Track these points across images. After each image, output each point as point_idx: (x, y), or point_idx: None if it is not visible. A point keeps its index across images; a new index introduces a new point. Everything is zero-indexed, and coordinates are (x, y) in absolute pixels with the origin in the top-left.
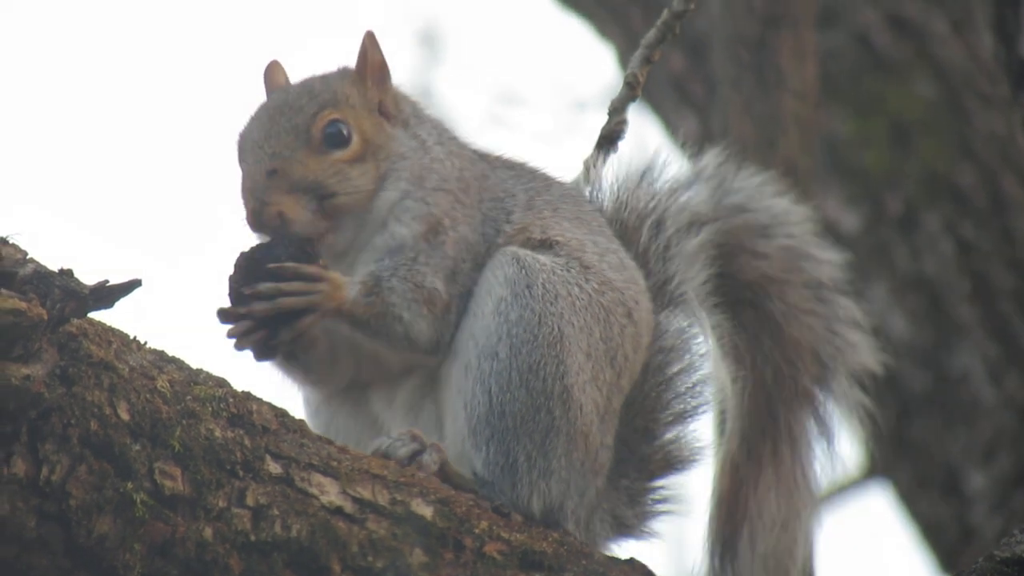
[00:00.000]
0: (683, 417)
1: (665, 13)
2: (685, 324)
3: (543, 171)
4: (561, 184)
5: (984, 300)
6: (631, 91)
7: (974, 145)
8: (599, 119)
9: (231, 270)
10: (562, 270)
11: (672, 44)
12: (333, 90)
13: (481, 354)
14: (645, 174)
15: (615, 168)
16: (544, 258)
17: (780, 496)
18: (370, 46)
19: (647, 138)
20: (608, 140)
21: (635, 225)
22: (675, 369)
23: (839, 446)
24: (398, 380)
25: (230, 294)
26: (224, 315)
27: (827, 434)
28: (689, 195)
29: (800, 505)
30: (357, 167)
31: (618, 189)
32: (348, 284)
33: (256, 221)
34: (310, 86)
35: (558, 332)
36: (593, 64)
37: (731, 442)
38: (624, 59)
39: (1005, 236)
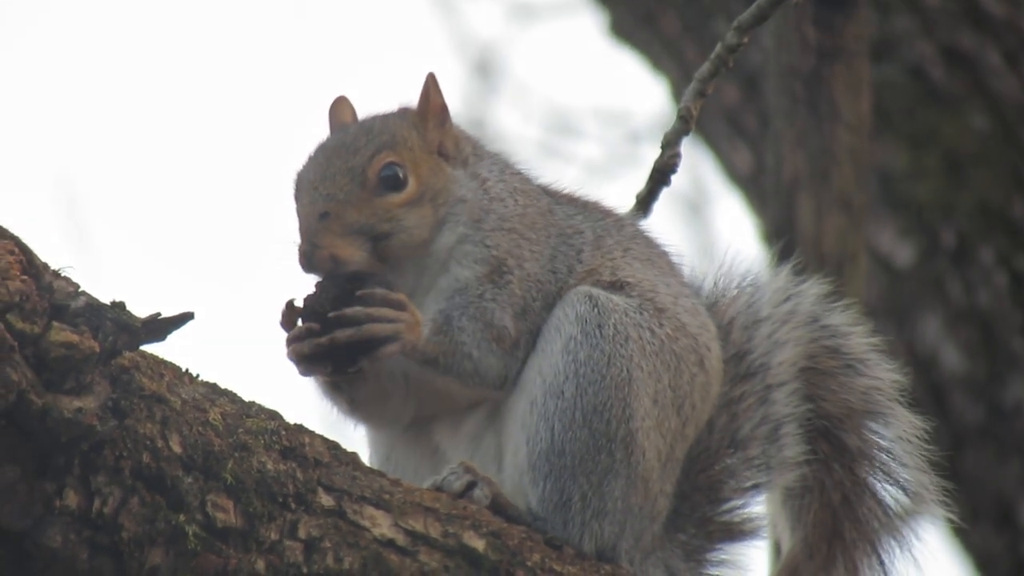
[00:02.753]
0: (754, 488)
1: (719, 47)
2: (760, 397)
3: (612, 209)
4: (632, 224)
5: None
6: (684, 124)
7: None
8: (652, 152)
9: (314, 290)
10: (635, 312)
11: (726, 77)
12: (392, 132)
13: (548, 391)
14: (749, 279)
15: (720, 265)
16: (618, 298)
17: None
18: (432, 88)
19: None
20: (661, 173)
21: (726, 305)
22: (748, 437)
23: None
24: (463, 412)
25: (307, 314)
26: (292, 314)
27: (884, 570)
28: (789, 303)
29: None
30: (414, 210)
31: (721, 277)
32: (423, 321)
33: (308, 263)
34: (369, 127)
35: (627, 375)
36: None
37: (795, 544)
38: (677, 92)
39: None
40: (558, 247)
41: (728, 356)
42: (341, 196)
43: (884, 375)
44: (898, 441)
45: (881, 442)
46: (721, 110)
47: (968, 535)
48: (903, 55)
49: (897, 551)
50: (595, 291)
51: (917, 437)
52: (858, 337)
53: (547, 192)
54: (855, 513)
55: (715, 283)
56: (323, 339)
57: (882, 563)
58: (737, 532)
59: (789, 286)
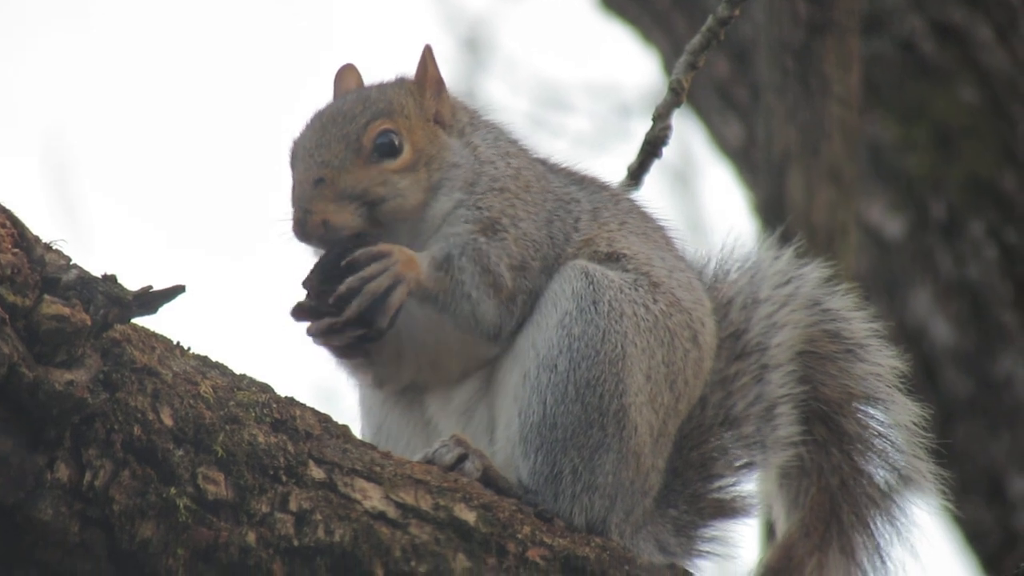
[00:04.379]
0: (746, 466)
1: (710, 19)
2: (756, 376)
3: (608, 183)
4: (628, 199)
5: None
6: (676, 97)
7: (1018, 151)
8: (643, 125)
9: (308, 274)
10: (630, 288)
11: (717, 50)
12: (388, 99)
13: (541, 364)
14: (751, 262)
15: (722, 249)
16: (613, 274)
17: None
18: (429, 59)
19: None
20: (652, 146)
21: (725, 289)
22: (742, 415)
23: (892, 562)
24: (455, 383)
25: (310, 297)
26: (300, 312)
27: (879, 552)
28: (789, 285)
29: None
30: (408, 176)
31: (722, 262)
32: (419, 256)
33: (301, 230)
34: (366, 95)
35: (620, 351)
36: (637, 70)
37: (792, 525)
38: (669, 65)
39: None
40: (555, 211)
41: (726, 334)
42: (336, 163)
43: (884, 361)
44: (896, 428)
45: (879, 428)
46: (712, 83)
47: (957, 508)
48: (894, 29)
49: (893, 534)
50: (591, 266)
51: (915, 424)
52: (859, 322)
53: (543, 163)
54: (853, 497)
55: (717, 263)
56: (338, 324)
57: (878, 546)
58: (728, 509)
59: (790, 269)
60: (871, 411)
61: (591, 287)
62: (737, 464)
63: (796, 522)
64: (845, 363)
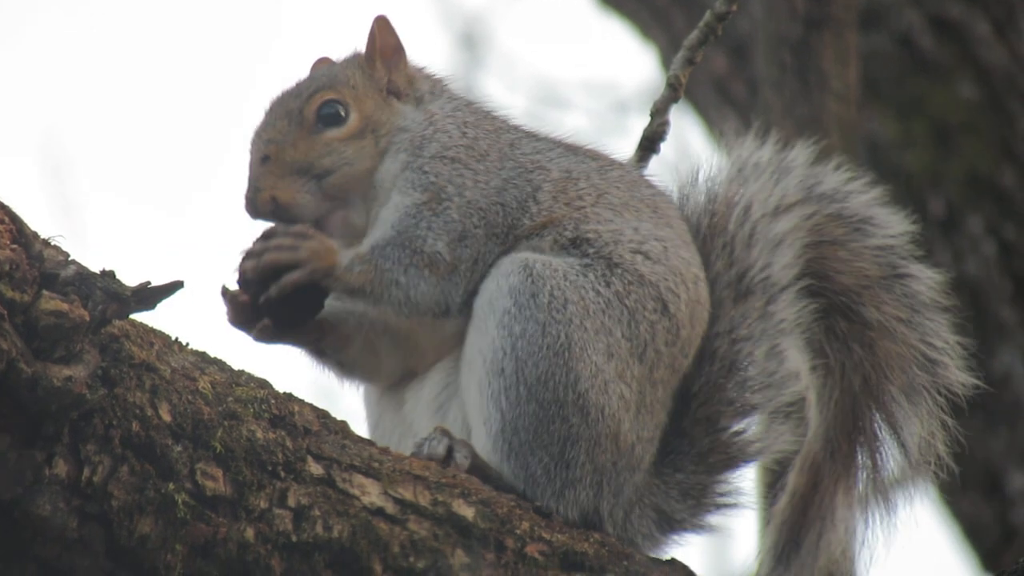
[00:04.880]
0: (752, 409)
1: (707, 14)
2: (759, 313)
3: (607, 156)
4: (620, 169)
5: None
6: (673, 92)
7: (1016, 147)
8: (641, 120)
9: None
10: (576, 274)
11: (714, 46)
12: (333, 74)
13: (490, 371)
14: (737, 167)
15: (708, 163)
16: (558, 261)
17: (852, 500)
18: (379, 29)
19: (738, 136)
20: (650, 141)
21: (724, 213)
22: (746, 360)
23: (915, 460)
24: (425, 379)
25: (238, 281)
26: (224, 293)
27: (904, 448)
28: (780, 183)
29: (869, 514)
30: (353, 143)
31: (710, 181)
32: (341, 252)
33: (251, 208)
34: (313, 74)
35: (564, 339)
36: (635, 65)
37: (813, 441)
38: (666, 60)
39: None
40: (510, 179)
41: (731, 278)
42: (280, 138)
43: (895, 229)
44: (921, 306)
45: (900, 313)
46: (710, 78)
47: (956, 503)
48: (891, 24)
49: (919, 434)
50: (531, 257)
51: (939, 295)
52: (857, 195)
53: (528, 134)
54: (875, 398)
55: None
56: (233, 288)
57: (905, 449)
58: (738, 457)
59: (774, 164)
60: (890, 292)
61: (529, 280)
62: (743, 409)
63: (820, 436)
64: (855, 243)
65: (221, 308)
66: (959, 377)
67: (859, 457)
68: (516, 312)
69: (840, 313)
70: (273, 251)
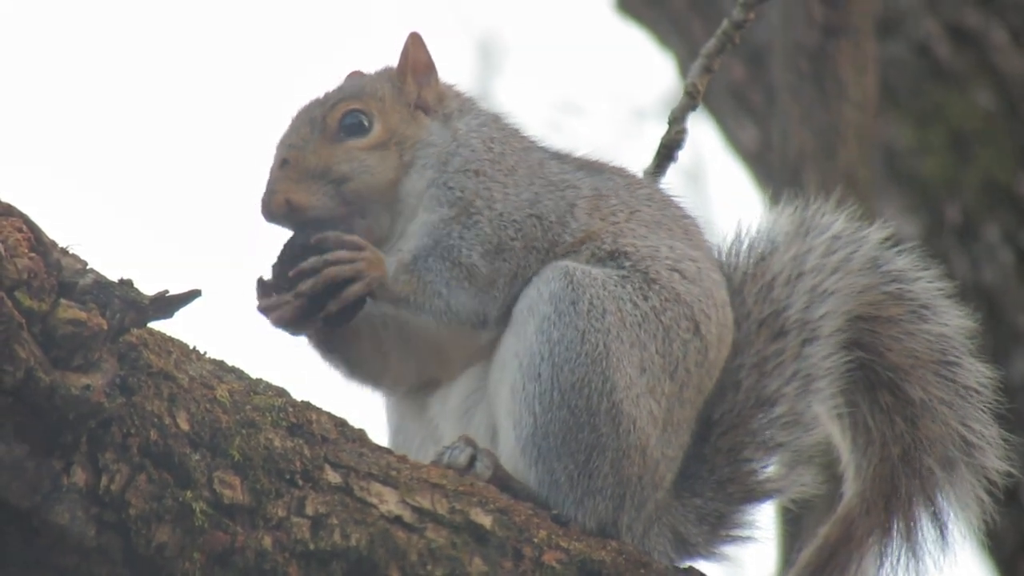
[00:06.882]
0: (777, 447)
1: (725, 23)
2: (795, 353)
3: (631, 173)
4: (649, 187)
5: None
6: (691, 100)
7: None
8: (659, 128)
9: (275, 260)
10: (615, 285)
11: (732, 54)
12: (361, 85)
13: (526, 375)
14: (806, 227)
15: (775, 218)
16: (597, 271)
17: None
18: (412, 45)
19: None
20: (668, 149)
21: (775, 258)
22: (775, 396)
23: (951, 536)
24: (452, 385)
25: (275, 279)
26: (263, 288)
27: (941, 525)
28: (846, 248)
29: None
30: (375, 153)
31: (773, 231)
32: (387, 260)
33: (266, 211)
34: (342, 85)
35: (603, 348)
36: (653, 73)
37: (851, 498)
38: (684, 68)
39: None
40: (542, 194)
41: (767, 313)
42: (300, 144)
43: (952, 321)
44: (966, 392)
45: (944, 395)
46: (727, 86)
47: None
48: (909, 32)
49: (956, 508)
50: (572, 265)
51: (986, 388)
52: (924, 282)
53: (554, 155)
54: (914, 468)
55: (758, 240)
56: (289, 296)
57: (939, 520)
58: (756, 491)
59: (844, 233)
60: (938, 376)
61: (570, 287)
62: (768, 445)
63: (856, 494)
64: (911, 325)
65: (251, 296)
66: (995, 464)
67: (894, 521)
68: (556, 318)
69: (886, 387)
70: (333, 265)
